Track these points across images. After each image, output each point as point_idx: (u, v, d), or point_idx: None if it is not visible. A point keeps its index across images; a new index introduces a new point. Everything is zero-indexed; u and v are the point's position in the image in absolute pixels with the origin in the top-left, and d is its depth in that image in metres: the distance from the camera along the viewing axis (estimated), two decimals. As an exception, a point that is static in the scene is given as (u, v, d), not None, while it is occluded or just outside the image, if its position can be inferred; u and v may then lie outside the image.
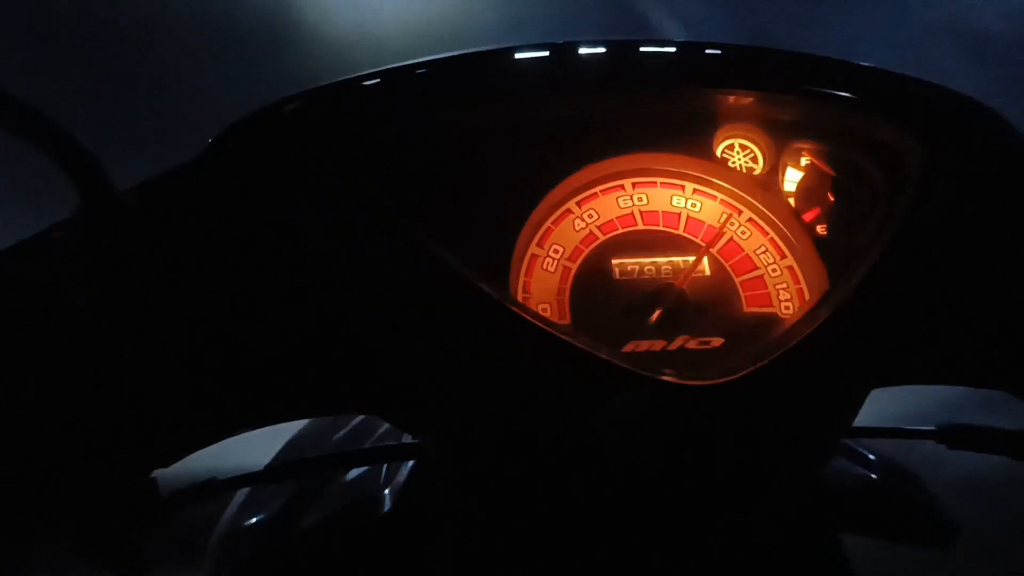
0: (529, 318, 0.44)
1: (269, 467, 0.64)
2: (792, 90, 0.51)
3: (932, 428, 0.60)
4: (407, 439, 0.61)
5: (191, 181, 0.47)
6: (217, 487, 0.55)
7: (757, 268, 0.50)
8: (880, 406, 0.55)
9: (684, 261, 0.49)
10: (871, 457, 0.66)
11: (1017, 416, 0.59)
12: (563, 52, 0.50)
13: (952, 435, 0.60)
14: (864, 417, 0.52)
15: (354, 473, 0.64)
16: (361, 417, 0.71)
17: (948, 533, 0.64)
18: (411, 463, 0.60)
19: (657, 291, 0.48)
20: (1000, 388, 0.55)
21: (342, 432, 0.72)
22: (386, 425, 0.67)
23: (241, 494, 0.66)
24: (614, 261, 0.49)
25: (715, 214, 0.50)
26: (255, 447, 0.60)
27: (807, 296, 0.49)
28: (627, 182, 0.50)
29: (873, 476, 0.65)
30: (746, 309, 0.49)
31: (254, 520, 0.64)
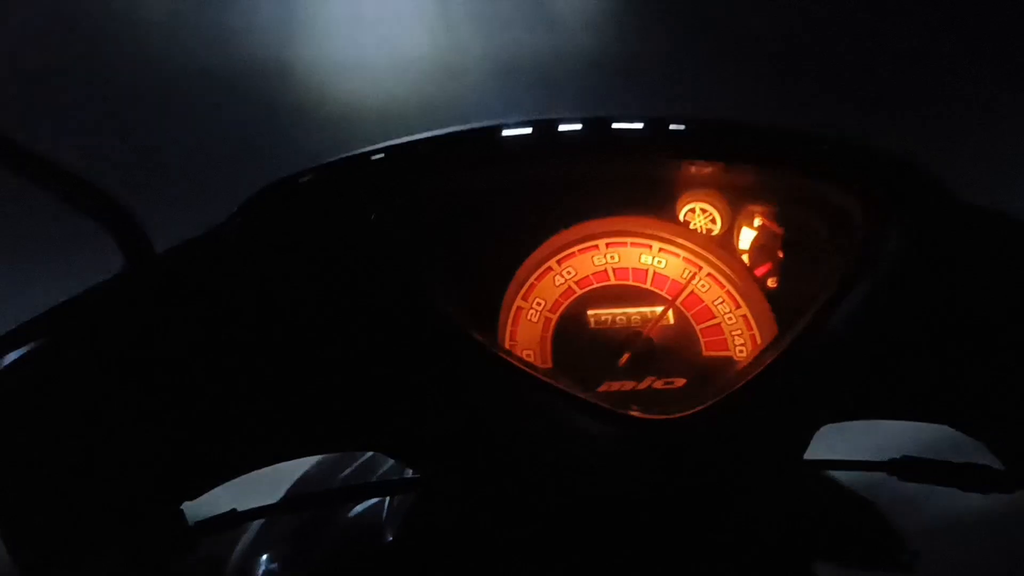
0: (516, 363, 0.50)
1: (285, 500, 0.70)
2: (746, 160, 0.57)
3: (885, 460, 0.66)
4: (409, 474, 0.67)
5: (219, 243, 0.53)
6: (238, 518, 0.60)
7: (715, 317, 0.56)
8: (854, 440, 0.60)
9: (651, 312, 0.55)
10: (831, 488, 0.71)
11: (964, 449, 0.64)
12: (544, 128, 0.56)
13: (903, 467, 0.64)
14: (825, 450, 0.58)
15: (361, 505, 0.70)
16: (368, 454, 0.76)
17: (909, 562, 0.69)
18: (413, 495, 0.65)
19: (627, 338, 0.54)
20: (943, 423, 0.61)
21: (349, 468, 0.77)
22: (390, 461, 0.73)
23: (257, 523, 0.72)
24: (590, 312, 0.55)
25: (679, 270, 0.57)
26: (271, 482, 0.66)
27: (759, 341, 0.55)
28: (601, 242, 0.57)
29: (833, 507, 0.71)
30: (705, 353, 0.55)
31: (270, 548, 0.70)
